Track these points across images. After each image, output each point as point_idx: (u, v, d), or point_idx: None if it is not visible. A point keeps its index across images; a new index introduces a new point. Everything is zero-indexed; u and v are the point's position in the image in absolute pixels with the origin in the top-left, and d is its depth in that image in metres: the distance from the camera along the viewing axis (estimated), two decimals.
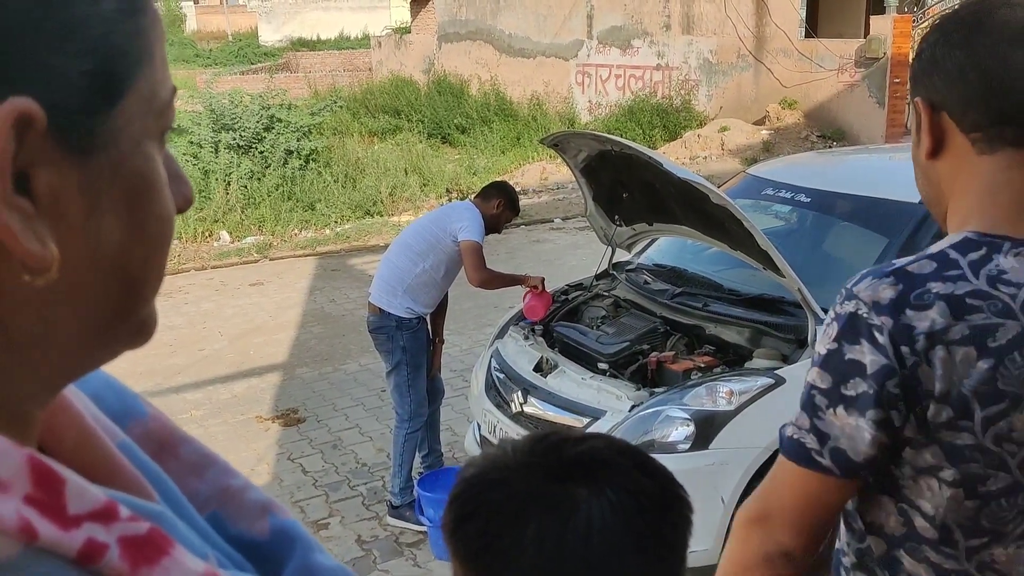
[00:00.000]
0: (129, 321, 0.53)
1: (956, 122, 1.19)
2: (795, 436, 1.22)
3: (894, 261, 1.20)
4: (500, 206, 4.39)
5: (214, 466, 0.67)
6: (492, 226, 4.37)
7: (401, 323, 4.22)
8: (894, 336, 1.13)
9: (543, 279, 4.47)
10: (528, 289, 4.42)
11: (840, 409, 1.17)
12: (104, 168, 0.48)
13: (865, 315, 1.15)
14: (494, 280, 4.40)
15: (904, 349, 1.13)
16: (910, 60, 12.80)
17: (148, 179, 0.51)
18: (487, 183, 4.68)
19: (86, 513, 0.46)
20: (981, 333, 1.11)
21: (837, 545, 1.40)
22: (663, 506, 0.79)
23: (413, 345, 4.26)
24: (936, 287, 1.13)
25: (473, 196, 4.59)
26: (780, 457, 1.27)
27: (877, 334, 1.14)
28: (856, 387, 1.15)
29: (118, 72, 0.48)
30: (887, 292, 1.15)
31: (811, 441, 1.20)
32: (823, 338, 1.23)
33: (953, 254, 1.16)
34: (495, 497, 0.78)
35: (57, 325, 0.49)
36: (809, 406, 1.21)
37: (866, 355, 1.15)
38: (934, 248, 1.19)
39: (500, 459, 0.81)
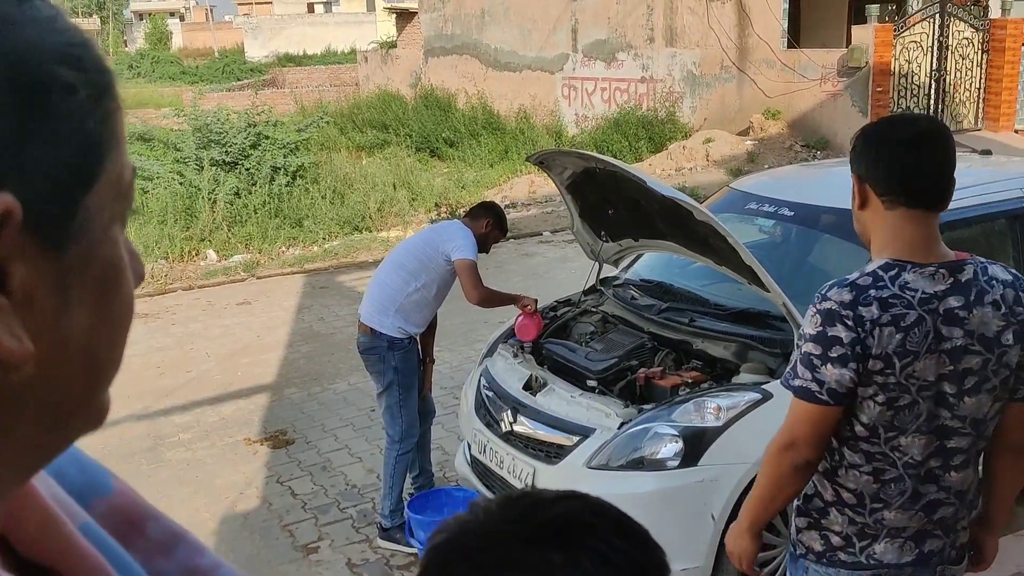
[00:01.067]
0: (91, 407, 0.53)
1: (872, 189, 2.02)
2: (803, 385, 1.99)
3: (847, 276, 1.99)
4: (489, 226, 4.38)
5: (183, 544, 0.66)
6: (480, 245, 4.37)
7: (393, 343, 4.20)
8: (854, 321, 1.93)
9: (536, 301, 4.46)
10: (521, 310, 4.42)
11: (829, 365, 1.95)
12: (76, 258, 0.48)
13: (837, 309, 1.95)
14: (492, 298, 4.40)
15: (859, 329, 1.93)
16: (892, 69, 12.93)
17: (116, 265, 0.52)
18: (476, 203, 4.68)
19: None
20: (897, 318, 1.93)
21: None
22: (641, 571, 0.77)
23: (405, 366, 4.24)
24: (872, 292, 1.94)
25: (463, 215, 4.60)
26: (794, 400, 2.02)
27: (846, 320, 1.94)
28: (837, 351, 1.94)
29: (91, 159, 0.49)
30: (847, 296, 1.95)
31: (814, 387, 1.97)
32: (810, 323, 1.99)
33: (880, 272, 1.97)
34: (463, 568, 0.75)
35: (26, 417, 0.49)
36: (808, 365, 1.98)
37: (840, 332, 1.94)
38: (868, 268, 2.00)
39: (470, 524, 0.78)
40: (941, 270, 1.97)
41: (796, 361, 2.02)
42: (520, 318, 4.40)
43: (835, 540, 2.15)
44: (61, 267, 0.48)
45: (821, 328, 1.95)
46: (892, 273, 1.95)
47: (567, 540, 0.74)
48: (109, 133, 0.50)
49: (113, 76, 0.51)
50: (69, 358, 0.49)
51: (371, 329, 4.22)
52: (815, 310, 1.97)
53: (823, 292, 1.98)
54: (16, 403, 0.48)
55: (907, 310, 1.93)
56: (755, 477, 3.37)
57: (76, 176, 0.48)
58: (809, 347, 1.97)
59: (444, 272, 4.25)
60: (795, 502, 2.23)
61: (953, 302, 1.95)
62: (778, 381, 3.54)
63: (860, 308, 1.92)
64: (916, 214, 1.99)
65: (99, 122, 0.49)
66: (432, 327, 4.56)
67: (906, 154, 1.98)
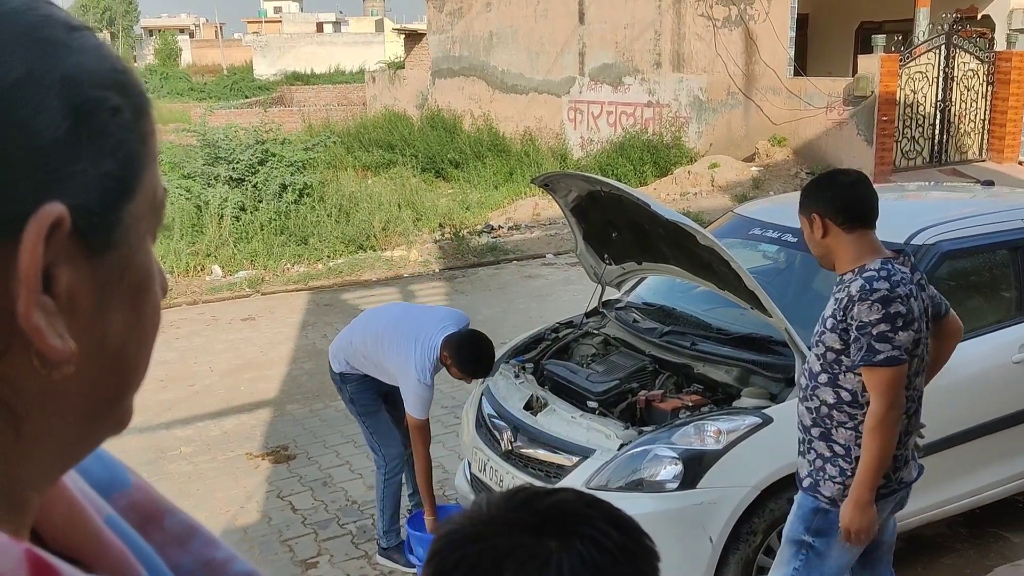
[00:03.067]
0: (120, 409, 0.57)
1: (832, 221, 2.81)
2: (888, 354, 2.66)
3: (868, 273, 2.72)
4: (447, 360, 3.95)
5: (198, 537, 0.69)
6: (442, 364, 4.02)
7: (344, 376, 4.28)
8: (902, 299, 2.67)
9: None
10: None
11: (900, 332, 2.66)
12: (115, 265, 0.52)
13: (887, 294, 2.67)
14: (424, 471, 4.08)
15: (907, 302, 2.68)
16: (897, 99, 12.98)
17: (148, 274, 0.56)
18: (467, 331, 4.06)
19: None
20: (914, 292, 2.73)
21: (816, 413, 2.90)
22: (631, 557, 0.82)
23: (360, 396, 4.26)
24: (896, 277, 2.71)
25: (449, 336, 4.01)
26: (876, 373, 2.68)
27: (897, 300, 2.67)
28: (901, 321, 2.66)
29: (131, 173, 0.53)
30: (886, 284, 2.68)
31: (896, 352, 2.66)
32: (871, 311, 2.66)
33: (885, 266, 2.74)
34: (472, 551, 0.81)
35: (63, 416, 0.52)
36: (884, 339, 2.65)
37: (899, 308, 2.66)
38: (872, 266, 2.74)
39: (476, 515, 0.85)
40: (900, 259, 2.84)
41: (867, 345, 2.66)
42: None
43: None
44: (101, 272, 0.51)
45: (884, 311, 2.65)
46: (891, 266, 2.73)
47: (562, 527, 0.81)
48: (146, 151, 0.54)
49: (150, 101, 0.56)
50: (104, 360, 0.53)
51: (330, 366, 4.33)
52: (870, 301, 2.66)
53: (868, 288, 2.67)
54: (58, 402, 0.51)
55: (911, 285, 2.73)
56: (754, 501, 3.43)
57: (118, 189, 0.52)
58: (880, 328, 2.64)
59: (386, 375, 4.13)
60: (827, 466, 2.87)
61: (915, 277, 2.82)
62: (779, 405, 3.57)
63: (898, 289, 2.67)
64: (868, 231, 2.81)
65: (139, 141, 0.53)
66: None
67: (852, 193, 2.82)
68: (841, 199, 2.80)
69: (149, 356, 0.58)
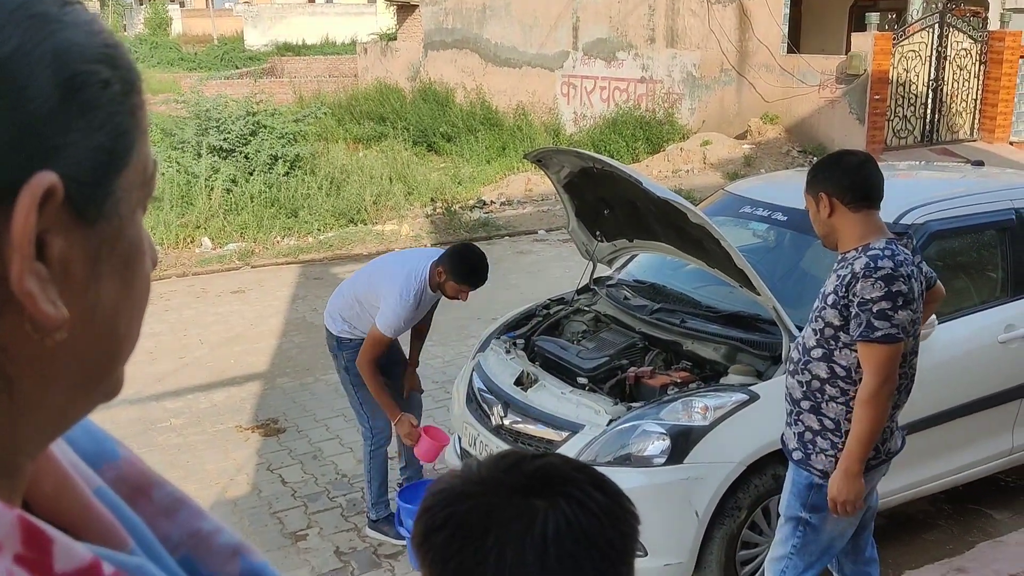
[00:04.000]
0: (110, 378, 0.58)
1: (839, 200, 2.87)
2: (886, 332, 2.72)
3: (873, 252, 2.77)
4: (441, 275, 3.98)
5: (185, 508, 0.70)
6: (439, 289, 4.06)
7: (341, 342, 4.28)
8: (904, 279, 2.74)
9: (412, 423, 4.21)
10: (421, 428, 4.24)
11: (900, 311, 2.72)
12: (106, 235, 0.54)
13: (891, 272, 2.73)
14: (369, 379, 4.09)
15: (909, 282, 2.75)
16: (890, 77, 12.97)
17: (138, 246, 0.57)
18: (458, 245, 4.21)
19: (72, 571, 0.50)
20: (915, 272, 2.82)
21: (805, 388, 2.97)
22: (613, 517, 0.85)
23: (354, 365, 4.21)
24: (899, 257, 2.77)
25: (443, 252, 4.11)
26: (872, 349, 2.74)
27: (899, 279, 2.73)
28: (902, 300, 2.72)
29: (121, 146, 0.54)
30: (890, 263, 2.74)
31: (894, 331, 2.72)
32: (874, 287, 2.72)
33: (889, 246, 2.80)
34: (461, 509, 0.86)
35: (55, 382, 0.53)
36: (884, 316, 2.71)
37: (901, 287, 2.72)
38: (877, 245, 2.80)
39: (466, 475, 0.90)
40: (903, 241, 2.91)
41: (867, 321, 2.73)
42: (420, 441, 4.16)
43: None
44: (93, 242, 0.53)
45: (886, 288, 2.71)
46: (895, 246, 2.80)
47: (549, 488, 0.84)
48: (136, 125, 0.55)
49: (139, 75, 0.57)
50: (95, 328, 0.54)
51: (327, 328, 4.34)
52: (874, 279, 2.72)
53: (873, 265, 2.73)
54: (50, 368, 0.52)
55: (913, 267, 2.81)
56: (740, 476, 3.47)
57: (109, 161, 0.53)
58: (881, 305, 2.71)
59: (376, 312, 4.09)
60: (817, 439, 2.95)
61: (916, 259, 2.90)
62: (765, 382, 3.60)
63: (901, 268, 2.74)
64: (873, 211, 2.88)
65: (128, 114, 0.55)
66: (422, 332, 4.56)
67: (859, 173, 2.88)
68: (848, 179, 2.86)
69: (139, 327, 0.59)
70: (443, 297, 4.16)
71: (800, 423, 2.99)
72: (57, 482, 0.59)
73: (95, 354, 0.55)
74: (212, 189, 10.76)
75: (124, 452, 0.70)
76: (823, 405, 2.92)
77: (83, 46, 0.52)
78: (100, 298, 0.54)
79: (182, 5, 44.59)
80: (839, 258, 2.92)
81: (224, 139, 11.41)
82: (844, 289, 2.80)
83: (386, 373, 4.27)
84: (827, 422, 2.92)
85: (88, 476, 0.63)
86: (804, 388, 2.96)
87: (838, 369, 2.87)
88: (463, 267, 3.96)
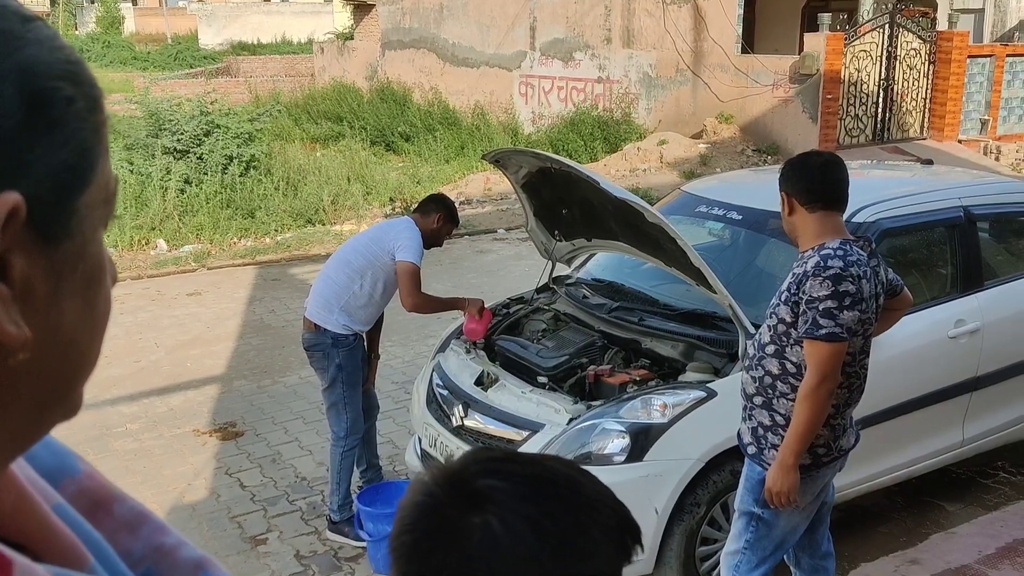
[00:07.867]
0: (71, 397, 0.57)
1: (797, 200, 2.94)
2: (830, 330, 2.75)
3: (826, 251, 2.81)
4: (440, 220, 4.31)
5: (148, 523, 0.70)
6: (433, 240, 4.33)
7: (337, 340, 4.19)
8: (853, 279, 2.77)
9: (482, 304, 4.44)
10: (466, 315, 4.41)
11: (845, 311, 2.75)
12: (69, 254, 0.53)
13: (840, 272, 2.76)
14: (428, 304, 4.34)
15: (858, 283, 2.79)
16: (842, 77, 13.17)
17: (100, 264, 0.56)
18: (426, 196, 4.62)
19: None
20: (868, 274, 2.84)
21: (760, 382, 3.01)
22: (544, 530, 0.83)
23: (349, 363, 4.22)
24: (851, 258, 2.81)
25: (412, 210, 4.54)
26: (817, 346, 2.78)
27: (848, 279, 2.76)
28: (848, 301, 2.76)
29: (85, 164, 0.53)
30: (840, 263, 2.77)
31: (838, 330, 2.75)
32: (822, 287, 2.76)
33: (843, 247, 2.83)
34: (411, 524, 0.84)
35: (16, 402, 0.53)
36: (829, 315, 2.75)
37: (849, 287, 2.76)
38: (831, 245, 2.84)
39: (420, 486, 0.86)
40: (861, 243, 2.95)
41: (812, 318, 2.77)
42: (468, 321, 4.38)
43: (820, 450, 2.97)
44: (56, 261, 0.52)
45: (833, 288, 2.75)
46: (848, 247, 2.84)
47: (482, 505, 0.82)
48: (99, 142, 0.55)
49: (102, 92, 0.56)
50: (57, 347, 0.53)
51: (316, 325, 4.21)
52: (822, 278, 2.76)
53: (823, 264, 2.78)
54: (12, 388, 0.52)
55: (867, 268, 2.84)
56: (699, 472, 3.51)
57: (73, 179, 0.52)
58: (827, 304, 2.75)
59: (390, 270, 4.20)
60: (768, 435, 3.00)
61: (872, 262, 2.93)
62: (722, 380, 3.65)
63: (851, 269, 2.77)
64: (832, 212, 2.93)
65: (92, 131, 0.54)
66: (379, 323, 4.54)
67: (817, 175, 2.93)
68: (807, 180, 2.91)
69: (100, 345, 0.58)
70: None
71: (753, 418, 3.05)
72: (15, 500, 0.58)
73: (57, 373, 0.55)
74: (166, 190, 10.60)
75: (85, 467, 0.69)
76: (774, 401, 2.97)
77: (47, 63, 0.51)
78: (62, 318, 0.53)
79: (135, 3, 43.84)
80: (798, 256, 2.97)
81: (178, 140, 11.24)
82: (796, 287, 2.85)
83: (356, 371, 4.30)
84: (778, 418, 2.96)
85: (47, 493, 0.62)
86: (757, 384, 3.01)
87: (789, 366, 2.92)
88: (453, 208, 4.45)
